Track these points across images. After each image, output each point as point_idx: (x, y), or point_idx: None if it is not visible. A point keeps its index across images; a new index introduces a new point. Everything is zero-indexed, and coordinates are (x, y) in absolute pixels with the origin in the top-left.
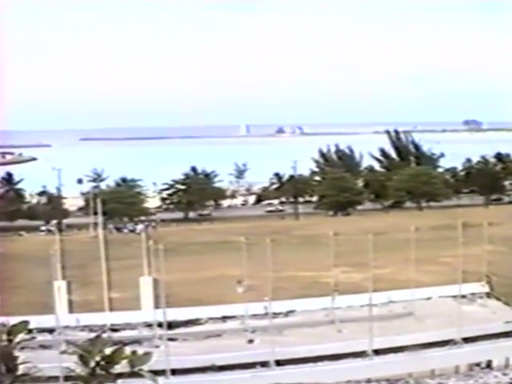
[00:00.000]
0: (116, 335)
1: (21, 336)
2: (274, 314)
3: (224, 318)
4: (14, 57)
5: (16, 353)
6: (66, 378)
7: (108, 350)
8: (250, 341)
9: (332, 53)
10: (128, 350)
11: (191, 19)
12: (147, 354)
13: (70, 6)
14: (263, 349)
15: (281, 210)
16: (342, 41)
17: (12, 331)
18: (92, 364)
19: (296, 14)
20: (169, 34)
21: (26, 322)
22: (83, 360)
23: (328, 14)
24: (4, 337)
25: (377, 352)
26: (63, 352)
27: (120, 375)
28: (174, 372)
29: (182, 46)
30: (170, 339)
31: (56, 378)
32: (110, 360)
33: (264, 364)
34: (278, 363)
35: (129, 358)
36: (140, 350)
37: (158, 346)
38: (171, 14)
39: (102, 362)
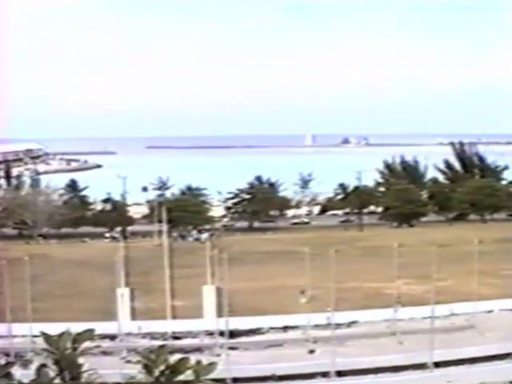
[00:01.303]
0: (178, 343)
1: (85, 344)
2: (337, 324)
3: (286, 328)
4: (80, 65)
5: (80, 360)
6: None
7: (172, 360)
8: (311, 351)
9: (399, 65)
10: (193, 359)
11: (256, 27)
12: (212, 364)
13: (139, 15)
14: (324, 359)
15: (307, 223)
16: (409, 53)
17: (77, 339)
18: (156, 373)
19: (362, 27)
20: (233, 42)
21: (91, 331)
22: (147, 369)
23: (395, 27)
24: (69, 344)
25: (437, 364)
26: (128, 361)
27: (182, 383)
28: (235, 381)
29: (247, 55)
30: (232, 348)
31: None
32: (175, 369)
33: (325, 374)
34: (339, 374)
35: (193, 367)
36: (201, 359)
37: (219, 355)
38: (232, 21)
39: (167, 372)
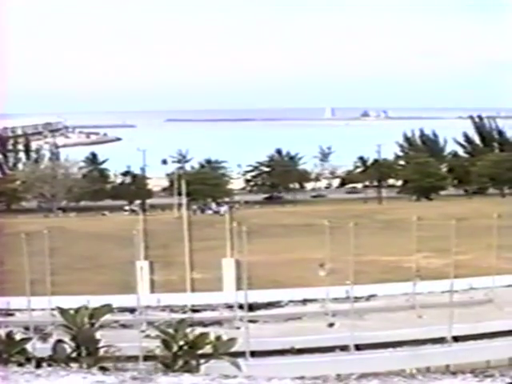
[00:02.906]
0: (197, 316)
1: (103, 319)
2: (356, 298)
3: (305, 301)
4: (98, 39)
5: (97, 336)
6: (146, 358)
7: (192, 335)
8: (331, 324)
9: (417, 39)
10: (212, 332)
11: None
12: (231, 340)
13: None
14: (343, 333)
15: (279, 197)
16: (428, 27)
17: (94, 314)
18: (175, 348)
19: (381, 1)
20: (252, 15)
21: (108, 306)
22: (166, 344)
23: (414, 1)
24: (86, 320)
25: (456, 339)
26: (147, 336)
27: (200, 356)
28: (254, 354)
29: (264, 28)
30: (251, 321)
31: (136, 358)
32: (194, 345)
33: (343, 348)
34: (358, 347)
35: (213, 343)
36: (220, 332)
37: (238, 328)
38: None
39: (185, 347)
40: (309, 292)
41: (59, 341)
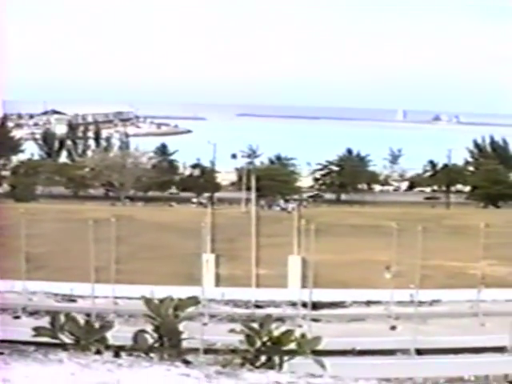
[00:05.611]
0: (259, 312)
1: (189, 311)
2: (419, 302)
3: (368, 303)
4: (173, 31)
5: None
6: (206, 351)
7: (277, 332)
8: (393, 327)
9: (492, 44)
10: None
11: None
12: (316, 338)
13: None
14: (405, 336)
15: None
16: (499, 32)
17: (179, 306)
18: (258, 344)
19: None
20: (328, 15)
21: (194, 298)
22: (250, 340)
23: (488, 7)
24: (170, 311)
25: None
26: (231, 330)
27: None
28: (314, 353)
29: (341, 29)
30: (314, 320)
31: (196, 350)
32: (278, 341)
33: (405, 352)
34: (419, 352)
35: (297, 340)
36: (282, 329)
37: (300, 326)
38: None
39: (268, 343)
40: (373, 294)
41: (141, 330)
